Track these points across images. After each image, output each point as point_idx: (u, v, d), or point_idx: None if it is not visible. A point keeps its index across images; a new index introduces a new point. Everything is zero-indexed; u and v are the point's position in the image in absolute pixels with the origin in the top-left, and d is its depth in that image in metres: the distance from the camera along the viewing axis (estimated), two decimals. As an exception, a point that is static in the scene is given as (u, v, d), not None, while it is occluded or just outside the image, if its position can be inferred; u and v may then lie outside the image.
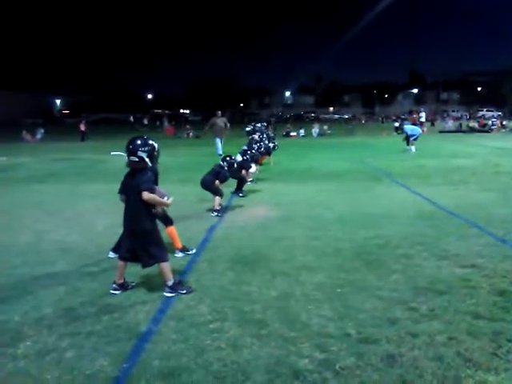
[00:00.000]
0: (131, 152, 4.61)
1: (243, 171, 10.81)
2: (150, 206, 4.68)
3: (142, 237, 4.66)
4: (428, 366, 3.20)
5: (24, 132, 34.39)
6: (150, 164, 4.66)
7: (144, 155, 4.59)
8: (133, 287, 4.90)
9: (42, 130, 36.40)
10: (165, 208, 5.89)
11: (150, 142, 4.73)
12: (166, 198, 5.00)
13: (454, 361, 3.25)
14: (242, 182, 10.52)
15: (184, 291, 4.70)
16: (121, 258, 4.86)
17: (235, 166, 9.30)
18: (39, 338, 3.81)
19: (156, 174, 6.02)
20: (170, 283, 4.67)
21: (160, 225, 6.03)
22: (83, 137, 33.92)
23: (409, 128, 21.76)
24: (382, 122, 62.56)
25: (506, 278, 4.84)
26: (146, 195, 4.53)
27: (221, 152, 19.24)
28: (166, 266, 4.70)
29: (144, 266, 4.76)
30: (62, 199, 10.35)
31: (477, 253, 5.82)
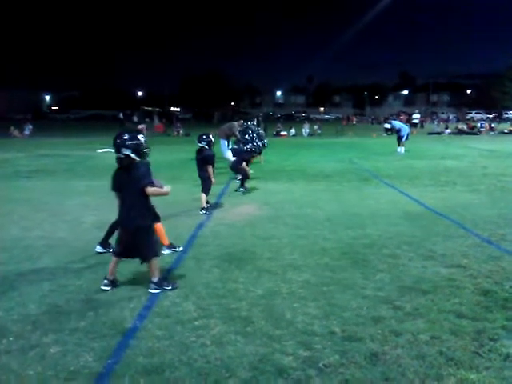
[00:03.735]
0: (118, 147, 4.60)
1: (244, 164, 10.74)
2: (148, 200, 4.67)
3: (140, 232, 4.64)
4: (411, 364, 3.22)
5: (12, 128, 34.02)
6: (137, 159, 4.63)
7: (129, 151, 4.57)
8: (119, 284, 4.87)
9: (30, 126, 36.03)
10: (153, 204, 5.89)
11: (137, 136, 4.71)
12: (164, 188, 5.00)
13: (437, 359, 3.28)
14: (244, 176, 10.47)
15: (169, 287, 4.69)
16: (116, 254, 4.83)
17: (213, 139, 8.59)
18: (23, 333, 3.78)
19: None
20: (155, 279, 4.67)
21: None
22: None
23: (397, 123, 21.90)
24: (372, 124, 62.88)
25: (490, 279, 4.90)
26: (150, 190, 4.56)
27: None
28: (156, 262, 4.70)
29: (143, 261, 4.76)
30: (49, 195, 10.27)
31: (462, 253, 5.88)
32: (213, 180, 8.46)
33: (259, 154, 15.31)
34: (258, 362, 3.30)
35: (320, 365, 3.25)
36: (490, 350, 3.40)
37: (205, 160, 8.35)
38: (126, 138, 4.61)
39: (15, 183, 12.13)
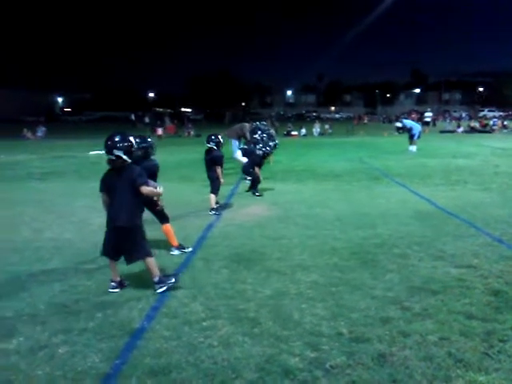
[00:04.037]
0: (108, 149, 4.58)
1: (256, 168, 10.72)
2: (138, 201, 4.67)
3: (129, 233, 4.63)
4: (418, 365, 3.19)
5: (25, 130, 34.39)
6: (129, 160, 4.63)
7: (120, 153, 4.55)
8: (128, 285, 4.90)
9: (43, 128, 36.38)
10: (162, 205, 5.92)
11: (129, 138, 4.68)
12: (158, 188, 5.02)
13: (445, 361, 3.25)
14: (255, 180, 10.46)
15: (172, 280, 4.72)
16: (107, 256, 4.85)
17: (222, 139, 8.55)
18: (32, 334, 3.82)
19: (155, 170, 6.05)
20: (156, 279, 4.68)
21: (156, 222, 6.09)
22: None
23: (408, 122, 21.76)
24: (383, 123, 62.47)
25: (501, 279, 4.84)
26: (144, 189, 4.57)
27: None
28: (151, 262, 4.70)
29: (129, 263, 4.77)
30: (59, 197, 10.36)
31: (473, 253, 5.82)
32: (221, 180, 8.46)
33: (270, 155, 15.31)
34: (264, 363, 3.29)
35: (327, 366, 3.23)
36: (499, 352, 3.36)
37: (213, 160, 8.36)
38: (117, 139, 4.57)
39: (27, 185, 12.26)
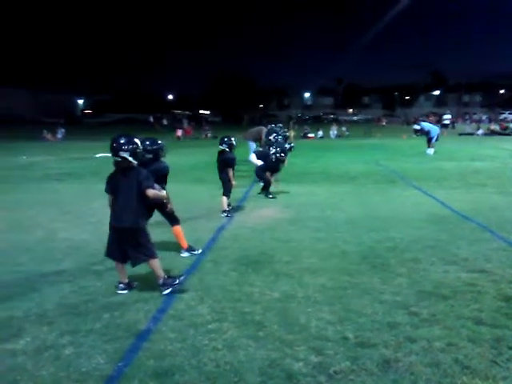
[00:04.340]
0: (114, 151, 4.60)
1: (267, 173, 10.69)
2: (143, 204, 4.68)
3: (133, 234, 4.64)
4: (423, 372, 3.14)
5: (45, 131, 34.88)
6: (135, 162, 4.64)
7: (126, 154, 4.57)
8: (136, 286, 4.93)
9: (63, 130, 36.86)
10: (171, 207, 5.94)
11: (134, 140, 4.67)
12: (163, 193, 5.04)
13: (451, 367, 3.19)
14: (266, 184, 10.45)
15: (176, 281, 4.73)
16: (113, 258, 4.88)
17: (235, 142, 8.51)
18: (39, 334, 3.86)
19: (166, 172, 6.07)
20: (161, 281, 4.69)
21: (167, 224, 6.11)
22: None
23: (426, 125, 21.53)
24: (402, 125, 61.78)
25: (514, 284, 4.74)
26: (151, 192, 4.57)
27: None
28: (156, 263, 4.71)
29: (134, 265, 4.78)
30: (76, 198, 10.48)
31: (486, 257, 5.72)
32: (233, 183, 8.46)
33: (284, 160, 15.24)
34: (267, 367, 3.27)
35: (330, 371, 3.20)
36: (508, 359, 3.29)
37: (225, 162, 8.37)
38: (123, 141, 4.59)
39: (45, 186, 12.42)
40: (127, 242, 4.66)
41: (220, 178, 8.53)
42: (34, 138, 33.55)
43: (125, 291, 4.78)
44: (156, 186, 4.91)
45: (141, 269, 4.99)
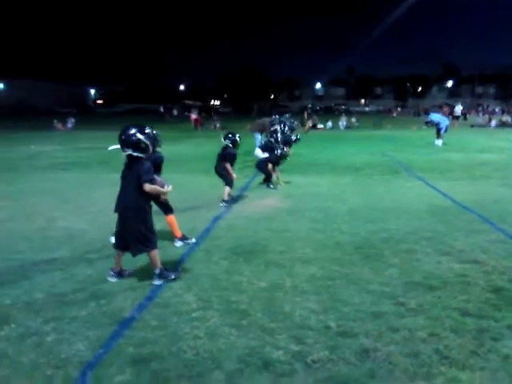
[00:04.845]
0: (122, 145, 4.64)
1: (269, 165, 10.64)
2: (144, 196, 4.68)
3: (135, 224, 4.66)
4: (402, 361, 3.11)
5: (55, 121, 35.10)
6: (140, 155, 4.65)
7: (130, 151, 4.61)
8: (130, 274, 4.93)
9: (73, 119, 37.07)
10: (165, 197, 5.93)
11: (137, 134, 4.63)
12: (165, 187, 5.03)
13: (430, 357, 3.16)
14: (268, 176, 10.42)
15: (172, 276, 4.73)
16: (115, 246, 4.92)
17: (239, 139, 8.69)
18: (25, 321, 3.88)
19: (160, 162, 6.07)
20: (157, 271, 4.70)
21: (160, 213, 6.11)
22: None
23: (435, 117, 21.28)
24: (414, 116, 61.14)
25: (505, 275, 4.68)
26: (147, 187, 4.56)
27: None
28: (155, 254, 4.72)
29: (134, 255, 4.79)
30: (79, 187, 10.53)
31: (482, 249, 5.65)
32: (234, 176, 8.52)
33: (289, 146, 15.15)
34: (246, 355, 3.27)
35: (308, 360, 3.18)
36: (489, 350, 3.25)
37: (224, 157, 8.50)
38: (124, 138, 4.61)
39: (49, 175, 12.51)
40: (128, 230, 4.68)
41: (216, 171, 8.56)
42: (45, 128, 33.76)
43: (114, 279, 4.79)
44: (158, 179, 4.91)
45: (131, 258, 5.00)
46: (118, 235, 4.85)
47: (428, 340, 3.40)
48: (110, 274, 4.83)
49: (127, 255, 4.88)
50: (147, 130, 4.76)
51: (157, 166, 5.87)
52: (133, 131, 4.65)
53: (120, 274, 4.86)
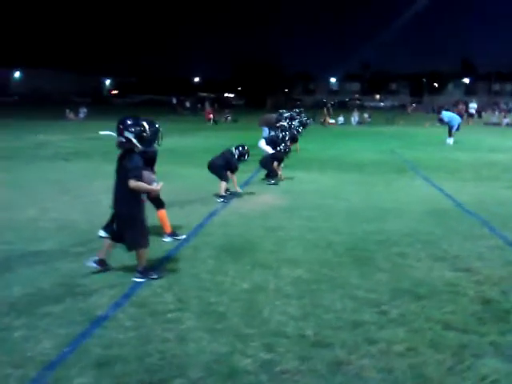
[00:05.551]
0: (119, 132, 4.55)
1: (275, 163, 10.49)
2: (135, 191, 4.58)
3: (126, 220, 4.62)
4: (373, 377, 2.97)
5: (67, 111, 35.09)
6: (139, 145, 4.55)
7: (131, 136, 4.50)
8: (109, 269, 4.82)
9: (85, 110, 37.04)
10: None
11: (141, 122, 4.62)
12: (154, 185, 4.92)
13: (404, 374, 3.00)
14: (271, 173, 10.27)
15: (155, 276, 4.62)
16: (109, 236, 4.89)
17: (246, 157, 8.88)
18: (-4, 316, 3.80)
19: (154, 156, 5.96)
20: (140, 268, 4.60)
21: (152, 208, 5.99)
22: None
23: (446, 115, 20.90)
24: (428, 112, 60.27)
25: (497, 286, 4.48)
26: (132, 183, 4.44)
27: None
28: (143, 253, 4.63)
29: (129, 250, 4.72)
30: (79, 178, 10.48)
31: (478, 256, 5.46)
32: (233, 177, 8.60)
33: (295, 141, 14.96)
34: (213, 362, 3.14)
35: (277, 370, 3.05)
36: (468, 368, 3.08)
37: (227, 164, 8.49)
38: (129, 122, 4.56)
39: (52, 164, 12.49)
40: (124, 226, 4.64)
41: (209, 168, 8.56)
42: (58, 118, 33.78)
43: (93, 265, 4.68)
44: (146, 175, 4.79)
45: (116, 253, 4.91)
46: (115, 228, 4.81)
47: (405, 354, 3.24)
48: (90, 259, 4.73)
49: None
50: (157, 125, 4.71)
51: (150, 160, 5.75)
52: (137, 119, 4.65)
53: (101, 263, 4.74)
